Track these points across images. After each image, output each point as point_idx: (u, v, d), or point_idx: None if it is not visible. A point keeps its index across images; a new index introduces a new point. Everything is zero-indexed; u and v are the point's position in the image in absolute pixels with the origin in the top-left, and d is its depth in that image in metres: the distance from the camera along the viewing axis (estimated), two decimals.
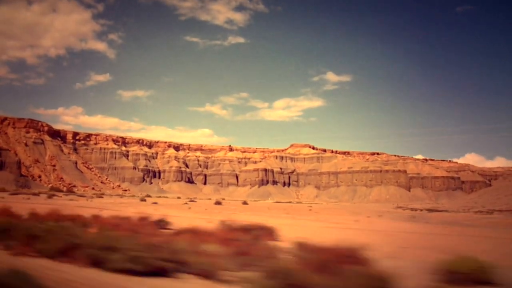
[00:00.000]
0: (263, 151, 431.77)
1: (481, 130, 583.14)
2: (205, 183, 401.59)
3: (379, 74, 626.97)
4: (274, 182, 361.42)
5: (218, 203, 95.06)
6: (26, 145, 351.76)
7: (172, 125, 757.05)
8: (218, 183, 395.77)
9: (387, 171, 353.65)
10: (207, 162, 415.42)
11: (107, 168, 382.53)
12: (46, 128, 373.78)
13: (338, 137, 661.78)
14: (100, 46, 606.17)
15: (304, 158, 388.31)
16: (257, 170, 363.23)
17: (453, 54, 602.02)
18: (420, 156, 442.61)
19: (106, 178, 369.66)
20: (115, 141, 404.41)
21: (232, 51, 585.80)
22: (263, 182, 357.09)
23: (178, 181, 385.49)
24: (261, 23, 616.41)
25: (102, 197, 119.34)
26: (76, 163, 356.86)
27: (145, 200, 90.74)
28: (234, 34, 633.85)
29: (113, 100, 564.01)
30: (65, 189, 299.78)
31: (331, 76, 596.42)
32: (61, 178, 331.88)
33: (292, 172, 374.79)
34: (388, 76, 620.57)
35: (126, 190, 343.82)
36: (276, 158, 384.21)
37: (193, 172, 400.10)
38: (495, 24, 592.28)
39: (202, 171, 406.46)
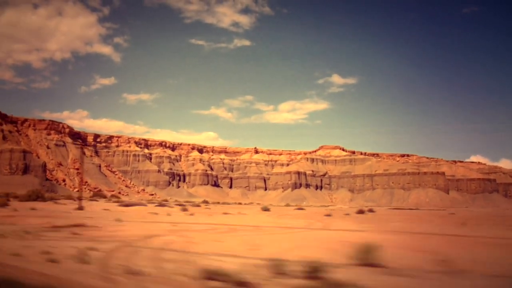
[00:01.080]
0: (289, 153, 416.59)
1: (487, 131, 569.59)
2: (230, 187, 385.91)
3: (385, 76, 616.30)
4: (307, 186, 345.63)
5: (326, 214, 78.74)
6: (48, 147, 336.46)
7: (176, 128, 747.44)
8: (245, 187, 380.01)
9: (425, 173, 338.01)
10: (232, 165, 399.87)
11: (130, 171, 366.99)
12: (67, 130, 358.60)
13: (342, 139, 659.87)
14: (106, 49, 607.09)
15: (335, 160, 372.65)
16: (289, 173, 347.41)
17: (459, 55, 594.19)
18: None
19: (130, 182, 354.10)
20: (137, 143, 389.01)
21: (238, 54, 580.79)
22: (296, 186, 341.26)
23: (204, 184, 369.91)
24: (267, 26, 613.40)
25: (208, 207, 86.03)
26: (99, 166, 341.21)
27: (269, 210, 74.56)
28: (239, 37, 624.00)
29: (118, 104, 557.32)
30: (91, 193, 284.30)
31: (336, 79, 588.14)
32: (86, 182, 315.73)
33: (324, 175, 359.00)
34: (393, 78, 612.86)
35: (153, 195, 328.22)
36: (307, 160, 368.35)
37: (218, 175, 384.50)
38: (501, 25, 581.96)
39: (228, 174, 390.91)
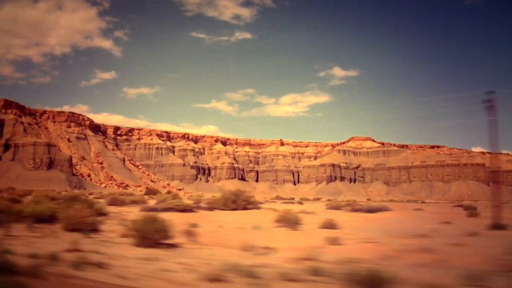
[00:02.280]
0: (315, 145, 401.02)
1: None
2: (257, 180, 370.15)
3: (386, 69, 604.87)
4: (342, 178, 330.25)
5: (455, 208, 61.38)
6: (69, 140, 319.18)
7: (177, 122, 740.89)
8: (273, 180, 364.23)
9: (465, 164, 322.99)
10: (258, 158, 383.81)
11: (153, 165, 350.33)
12: (87, 122, 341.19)
13: (342, 132, 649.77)
14: (106, 43, 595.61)
15: (368, 152, 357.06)
16: (323, 165, 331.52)
17: (461, 48, 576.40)
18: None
19: (154, 176, 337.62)
20: (159, 135, 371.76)
21: (239, 47, 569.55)
22: (332, 179, 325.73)
23: (231, 178, 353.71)
24: (268, 19, 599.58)
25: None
26: (123, 160, 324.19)
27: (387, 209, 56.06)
28: (241, 30, 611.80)
29: (118, 98, 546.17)
30: (122, 189, 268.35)
31: (337, 71, 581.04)
32: (111, 177, 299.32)
33: (357, 167, 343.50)
34: (395, 70, 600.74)
35: (180, 189, 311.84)
36: (339, 152, 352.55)
37: (244, 169, 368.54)
38: (504, 17, 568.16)
39: (254, 167, 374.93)
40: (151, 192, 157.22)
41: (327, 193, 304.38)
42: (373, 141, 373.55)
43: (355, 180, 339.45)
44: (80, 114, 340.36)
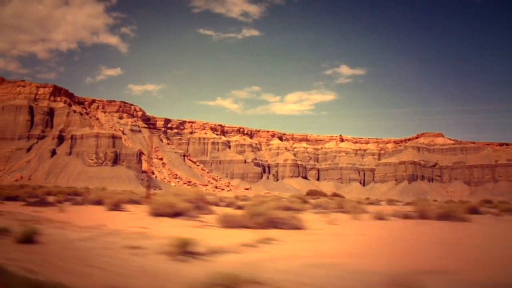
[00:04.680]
0: (376, 142, 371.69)
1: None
2: (318, 179, 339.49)
3: (394, 67, 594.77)
4: (422, 178, 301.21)
5: None
6: (123, 133, 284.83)
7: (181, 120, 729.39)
8: (338, 179, 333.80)
9: None
10: (317, 155, 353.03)
11: (209, 161, 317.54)
12: (139, 113, 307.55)
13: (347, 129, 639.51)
14: (112, 40, 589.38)
15: (442, 149, 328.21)
16: (403, 163, 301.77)
17: (472, 46, 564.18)
18: None
19: (213, 174, 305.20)
20: (213, 129, 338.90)
21: (246, 44, 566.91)
22: (414, 177, 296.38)
23: (295, 177, 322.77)
24: (277, 16, 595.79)
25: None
26: (183, 155, 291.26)
27: None
28: (248, 27, 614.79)
29: (123, 94, 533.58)
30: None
31: (345, 69, 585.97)
32: (175, 174, 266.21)
33: (434, 166, 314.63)
34: (402, 69, 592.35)
35: (247, 189, 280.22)
36: (413, 149, 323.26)
37: (306, 166, 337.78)
38: None
39: (314, 164, 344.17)
40: (313, 193, 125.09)
41: (412, 193, 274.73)
42: (445, 137, 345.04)
43: (432, 179, 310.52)
44: (132, 104, 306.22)
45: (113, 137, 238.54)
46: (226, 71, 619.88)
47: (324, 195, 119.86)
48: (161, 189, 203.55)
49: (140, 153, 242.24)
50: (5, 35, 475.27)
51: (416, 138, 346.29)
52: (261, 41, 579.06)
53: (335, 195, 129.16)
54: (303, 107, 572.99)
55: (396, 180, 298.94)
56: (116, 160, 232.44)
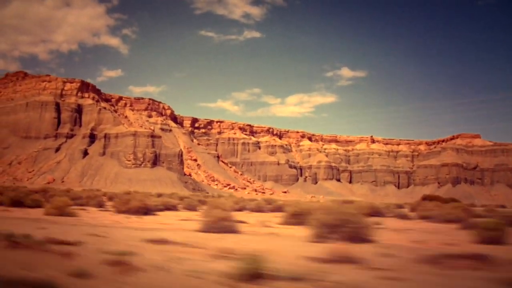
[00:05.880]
0: (408, 143, 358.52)
1: None
2: (350, 181, 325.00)
3: (394, 70, 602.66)
4: (465, 180, 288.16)
5: None
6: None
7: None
8: (372, 182, 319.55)
9: None
10: (348, 156, 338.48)
11: (240, 163, 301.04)
12: (168, 112, 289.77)
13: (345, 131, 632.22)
14: (113, 41, 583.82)
15: (481, 151, 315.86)
16: (446, 165, 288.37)
17: (472, 49, 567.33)
18: None
19: (248, 178, 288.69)
20: (242, 129, 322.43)
21: (247, 46, 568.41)
22: (458, 180, 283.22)
23: (329, 179, 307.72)
24: (279, 18, 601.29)
25: None
26: (217, 157, 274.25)
27: None
28: (250, 29, 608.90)
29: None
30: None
31: (346, 72, 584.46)
32: (212, 177, 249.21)
33: (474, 168, 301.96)
34: (403, 71, 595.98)
35: (285, 192, 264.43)
36: (452, 150, 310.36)
37: (339, 169, 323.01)
38: None
39: (346, 166, 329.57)
40: (428, 198, 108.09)
41: (457, 197, 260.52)
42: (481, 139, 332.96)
43: (473, 182, 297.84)
44: (160, 102, 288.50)
45: (152, 136, 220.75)
46: (227, 73, 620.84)
47: (443, 200, 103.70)
48: (207, 193, 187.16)
49: (182, 154, 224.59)
50: (6, 36, 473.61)
51: (452, 139, 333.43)
52: (262, 43, 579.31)
53: (452, 200, 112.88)
54: (304, 109, 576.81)
55: (438, 183, 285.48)
56: (155, 161, 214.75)
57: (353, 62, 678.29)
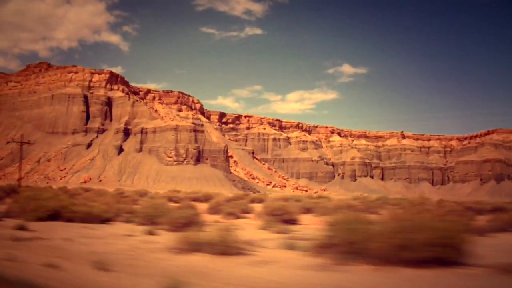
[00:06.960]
0: (439, 138, 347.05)
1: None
2: (382, 178, 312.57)
3: (396, 66, 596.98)
4: (508, 177, 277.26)
5: None
6: None
7: None
8: (406, 179, 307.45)
9: None
10: (379, 152, 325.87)
11: (271, 159, 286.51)
12: (198, 106, 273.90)
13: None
14: (114, 38, 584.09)
15: None
16: (488, 161, 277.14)
17: (473, 46, 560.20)
18: None
19: (282, 175, 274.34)
20: (271, 124, 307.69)
21: (249, 42, 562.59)
22: (501, 177, 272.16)
23: (363, 176, 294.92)
24: (280, 14, 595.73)
25: None
26: (252, 153, 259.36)
27: None
28: (251, 25, 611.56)
29: None
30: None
31: (347, 68, 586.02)
32: (251, 174, 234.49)
33: None
34: (404, 68, 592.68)
35: (323, 190, 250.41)
36: (491, 146, 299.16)
37: (371, 165, 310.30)
38: None
39: (378, 163, 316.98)
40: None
41: (503, 194, 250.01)
42: None
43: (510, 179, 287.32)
44: (189, 95, 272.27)
45: (195, 130, 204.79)
46: (228, 70, 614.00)
47: None
48: (259, 192, 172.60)
49: (227, 149, 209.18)
50: (6, 33, 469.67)
51: (487, 134, 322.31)
52: (263, 39, 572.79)
53: None
54: (304, 106, 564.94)
55: (481, 180, 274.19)
56: (198, 158, 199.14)
57: (355, 58, 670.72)
